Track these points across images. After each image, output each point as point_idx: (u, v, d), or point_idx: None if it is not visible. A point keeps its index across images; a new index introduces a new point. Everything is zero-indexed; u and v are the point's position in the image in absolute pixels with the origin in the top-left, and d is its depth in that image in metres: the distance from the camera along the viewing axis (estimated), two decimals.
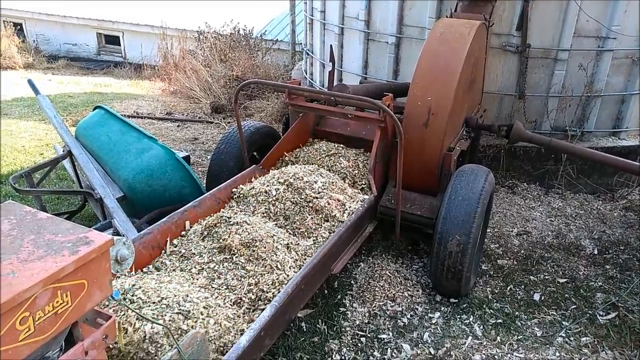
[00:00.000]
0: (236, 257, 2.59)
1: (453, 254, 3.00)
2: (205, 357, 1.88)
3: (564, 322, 3.13)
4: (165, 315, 2.03)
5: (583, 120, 4.96)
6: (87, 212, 4.16)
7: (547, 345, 2.90)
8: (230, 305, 2.37)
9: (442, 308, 3.17)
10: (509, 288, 3.45)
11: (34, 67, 11.41)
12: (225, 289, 2.46)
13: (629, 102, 4.99)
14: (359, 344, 2.82)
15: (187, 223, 2.90)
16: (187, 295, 2.19)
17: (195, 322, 2.08)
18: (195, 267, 2.55)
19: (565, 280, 3.58)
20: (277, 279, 2.53)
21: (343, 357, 2.73)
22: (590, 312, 3.24)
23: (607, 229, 4.30)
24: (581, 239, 4.13)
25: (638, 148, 4.69)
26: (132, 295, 2.10)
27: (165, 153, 3.54)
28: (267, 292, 2.46)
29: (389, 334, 2.91)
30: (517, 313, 3.19)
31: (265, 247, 2.63)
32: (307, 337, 2.84)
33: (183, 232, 2.85)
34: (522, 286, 3.48)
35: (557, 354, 2.83)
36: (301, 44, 8.58)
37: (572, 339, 2.98)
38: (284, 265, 2.62)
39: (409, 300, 3.20)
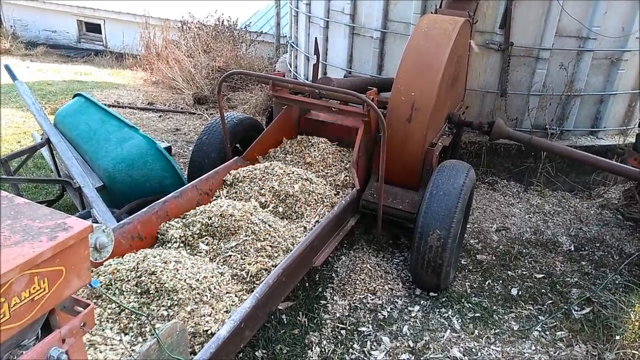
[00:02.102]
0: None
1: (433, 248, 3.03)
2: (185, 348, 1.87)
3: (540, 317, 3.20)
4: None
5: (563, 119, 5.05)
6: (65, 201, 4.08)
7: (524, 339, 2.96)
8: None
9: (422, 301, 3.20)
10: (487, 283, 3.50)
11: (11, 53, 11.11)
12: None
13: (607, 102, 5.09)
14: (339, 337, 2.84)
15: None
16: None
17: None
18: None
19: (542, 275, 3.65)
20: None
21: (323, 349, 2.74)
22: (565, 307, 3.31)
23: (583, 227, 4.39)
24: (558, 236, 4.21)
25: (615, 147, 4.79)
26: None
27: (146, 143, 3.50)
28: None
29: (368, 327, 2.93)
30: (494, 307, 3.24)
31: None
32: (288, 330, 2.85)
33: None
34: (500, 281, 3.53)
35: (533, 347, 2.89)
36: (286, 36, 8.53)
37: (547, 333, 3.04)
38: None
39: (389, 294, 3.23)
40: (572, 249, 4.04)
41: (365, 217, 3.59)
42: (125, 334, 2.01)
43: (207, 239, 2.72)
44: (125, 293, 2.17)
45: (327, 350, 2.73)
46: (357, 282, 3.28)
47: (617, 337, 2.78)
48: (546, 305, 3.32)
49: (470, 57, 4.64)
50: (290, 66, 7.21)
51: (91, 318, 1.32)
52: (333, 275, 3.35)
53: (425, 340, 2.85)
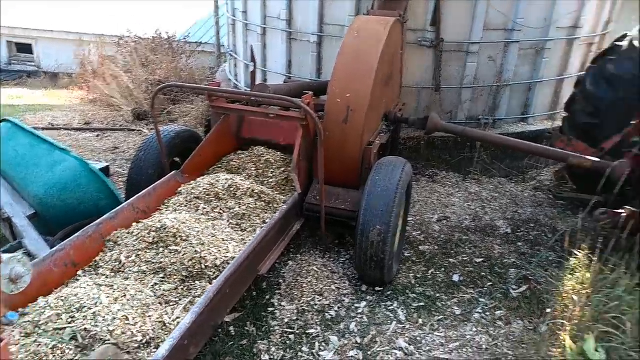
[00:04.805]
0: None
1: (375, 244, 3.11)
2: None
3: (481, 299, 3.34)
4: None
5: (495, 109, 5.28)
6: None
7: (466, 322, 3.08)
8: None
9: (368, 297, 3.28)
10: (430, 272, 3.62)
11: None
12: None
13: (534, 90, 5.37)
14: (288, 342, 2.87)
15: None
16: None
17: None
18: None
19: (482, 259, 3.80)
20: None
21: (272, 357, 2.76)
22: (504, 287, 3.47)
23: (519, 209, 4.61)
24: (496, 220, 4.40)
25: (544, 132, 5.05)
26: None
27: (79, 164, 3.40)
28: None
29: (317, 329, 2.97)
30: (438, 295, 3.36)
31: None
32: (236, 341, 2.85)
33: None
34: (443, 269, 3.66)
35: (474, 329, 3.01)
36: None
37: (487, 314, 3.18)
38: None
39: (336, 293, 3.28)
40: (509, 232, 4.23)
41: (310, 220, 3.63)
42: None
43: (146, 254, 2.69)
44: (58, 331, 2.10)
45: (276, 357, 2.75)
46: (305, 285, 3.31)
47: (549, 310, 2.93)
48: (486, 288, 3.47)
49: (404, 55, 4.78)
50: (231, 75, 7.19)
51: (5, 353, 1.30)
52: (280, 281, 3.37)
53: (372, 335, 2.92)
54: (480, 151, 5.06)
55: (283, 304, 3.16)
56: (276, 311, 3.09)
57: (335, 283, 3.38)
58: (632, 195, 3.63)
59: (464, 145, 5.10)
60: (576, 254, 3.07)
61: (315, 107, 3.43)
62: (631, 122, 3.94)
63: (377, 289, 3.35)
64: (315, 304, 3.17)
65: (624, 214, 3.17)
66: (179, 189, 3.39)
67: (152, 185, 3.31)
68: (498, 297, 3.37)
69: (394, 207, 3.13)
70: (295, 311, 3.10)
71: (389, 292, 3.33)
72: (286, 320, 3.02)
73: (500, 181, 5.15)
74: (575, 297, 2.69)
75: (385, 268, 3.18)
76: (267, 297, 3.22)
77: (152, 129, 6.52)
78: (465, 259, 3.81)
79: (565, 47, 5.31)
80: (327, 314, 3.09)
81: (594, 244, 2.93)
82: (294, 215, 3.52)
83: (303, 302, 3.17)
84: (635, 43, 4.23)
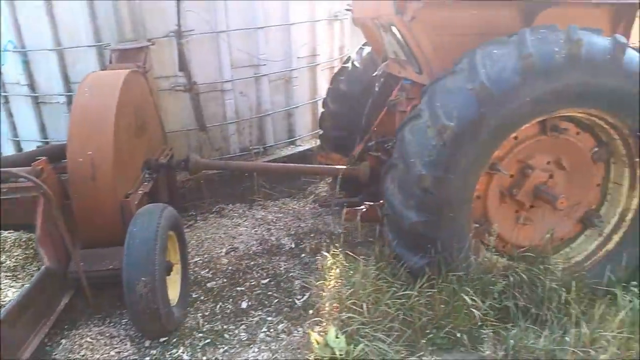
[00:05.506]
0: None
1: (143, 296, 3.01)
2: None
3: (268, 318, 3.48)
4: None
5: (262, 138, 5.64)
6: None
7: (250, 345, 3.17)
8: None
9: (152, 351, 3.15)
10: (219, 306, 3.65)
11: None
12: None
13: (294, 115, 5.90)
14: None
15: None
16: None
17: None
18: None
19: (269, 279, 3.98)
20: None
21: None
22: (290, 300, 3.68)
23: (301, 223, 4.96)
24: (281, 239, 4.66)
25: (307, 151, 5.58)
26: None
27: None
28: None
29: None
30: (226, 327, 3.40)
31: None
32: None
33: None
34: (231, 300, 3.73)
35: (257, 349, 3.12)
36: None
37: (272, 330, 3.32)
38: None
39: (116, 358, 3.08)
40: (293, 246, 4.52)
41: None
42: None
43: None
44: None
45: None
46: None
47: (311, 311, 3.20)
48: (273, 305, 3.63)
49: (163, 101, 4.83)
50: None
51: None
52: None
53: None
54: (258, 179, 5.34)
55: None
56: None
57: (115, 347, 3.18)
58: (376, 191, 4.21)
59: (242, 176, 5.32)
60: (328, 254, 3.41)
61: (58, 170, 3.24)
62: (371, 129, 4.62)
63: (162, 339, 3.25)
64: None
65: (363, 209, 3.65)
66: None
67: None
68: (284, 311, 3.55)
69: (156, 254, 3.09)
70: None
71: (174, 340, 3.25)
72: None
73: (284, 201, 5.49)
74: (324, 293, 2.99)
75: (162, 318, 3.10)
76: None
77: None
78: (253, 283, 3.94)
79: (310, 73, 5.98)
80: None
81: (346, 241, 3.32)
82: (56, 290, 3.23)
83: None
84: (356, 64, 4.99)
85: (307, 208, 5.34)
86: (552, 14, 3.14)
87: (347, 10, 4.90)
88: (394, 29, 3.59)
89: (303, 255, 4.37)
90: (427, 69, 3.45)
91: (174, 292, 3.48)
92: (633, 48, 3.04)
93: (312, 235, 4.71)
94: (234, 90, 5.35)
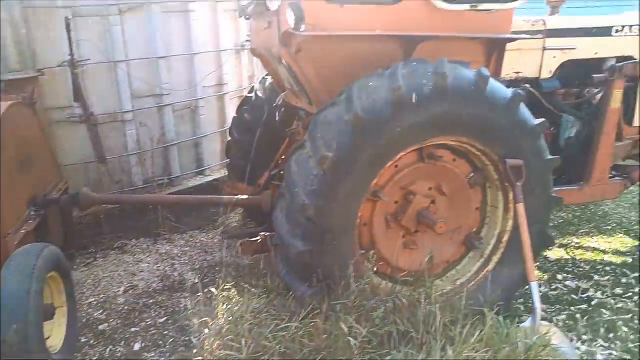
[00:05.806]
0: None
1: (15, 347, 2.78)
2: None
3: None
4: None
5: (168, 169, 5.50)
6: None
7: None
8: None
9: None
10: (109, 350, 3.46)
11: None
12: None
13: (202, 145, 5.81)
14: None
15: None
16: None
17: None
18: None
19: (166, 318, 3.83)
20: None
21: None
22: (187, 339, 3.54)
23: (208, 257, 4.85)
24: (185, 274, 4.52)
25: (214, 181, 5.50)
26: None
27: None
28: None
29: None
30: None
31: None
32: None
33: None
34: (123, 342, 3.54)
35: None
36: None
37: None
38: None
39: None
40: (197, 281, 4.38)
41: None
42: None
43: None
44: None
45: None
46: None
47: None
48: (168, 346, 3.49)
49: (58, 133, 4.59)
50: None
51: None
52: None
53: None
54: (162, 211, 5.17)
55: None
56: None
57: None
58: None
59: (146, 209, 5.14)
60: (216, 289, 3.34)
61: None
62: (275, 158, 4.63)
63: None
64: None
65: (258, 240, 3.62)
66: None
67: None
68: (180, 351, 3.42)
69: (30, 299, 2.88)
70: None
71: None
72: None
73: (192, 234, 5.35)
74: (207, 330, 2.91)
75: None
76: None
77: None
78: (149, 323, 3.78)
79: (218, 102, 5.95)
80: None
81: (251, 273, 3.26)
82: None
83: None
84: (259, 94, 5.02)
85: (215, 240, 5.23)
86: (433, 47, 3.32)
87: (247, 41, 4.95)
88: (283, 61, 3.66)
89: (207, 290, 4.24)
90: (315, 100, 3.54)
91: (57, 338, 3.26)
92: (500, 80, 3.30)
93: (217, 268, 4.60)
94: (135, 121, 5.20)
